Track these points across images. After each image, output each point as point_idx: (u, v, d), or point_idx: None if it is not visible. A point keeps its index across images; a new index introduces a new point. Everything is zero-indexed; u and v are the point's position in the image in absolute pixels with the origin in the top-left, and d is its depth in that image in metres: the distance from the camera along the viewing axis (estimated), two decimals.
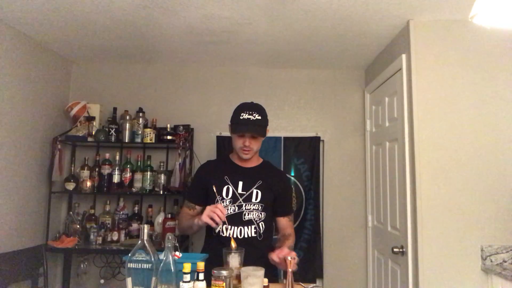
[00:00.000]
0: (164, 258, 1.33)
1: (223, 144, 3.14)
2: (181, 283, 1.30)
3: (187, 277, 1.30)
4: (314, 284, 1.87)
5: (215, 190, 1.79)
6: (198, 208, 1.90)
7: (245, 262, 1.56)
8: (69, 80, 3.28)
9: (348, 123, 3.29)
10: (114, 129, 2.99)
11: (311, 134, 3.24)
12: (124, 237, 2.91)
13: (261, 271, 1.43)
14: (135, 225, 2.98)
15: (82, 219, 2.95)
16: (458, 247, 2.16)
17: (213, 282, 1.35)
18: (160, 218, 2.95)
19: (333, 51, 2.90)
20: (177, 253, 1.43)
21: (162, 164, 3.07)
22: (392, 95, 2.62)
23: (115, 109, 3.09)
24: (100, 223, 2.93)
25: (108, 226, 2.92)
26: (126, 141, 3.01)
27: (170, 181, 2.93)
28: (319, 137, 3.22)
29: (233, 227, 1.78)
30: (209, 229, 1.87)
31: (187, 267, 1.31)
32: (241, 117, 1.77)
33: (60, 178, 2.93)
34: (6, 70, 2.46)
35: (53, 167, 2.85)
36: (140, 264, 1.35)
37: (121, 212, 3.02)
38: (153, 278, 1.33)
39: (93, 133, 2.97)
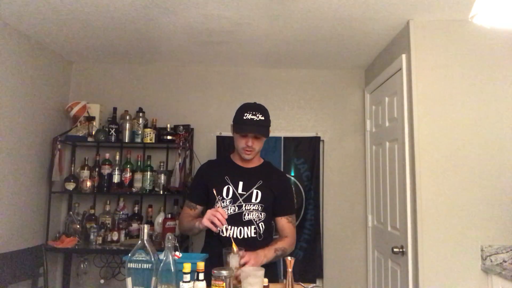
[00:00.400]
0: (164, 258, 1.33)
1: (223, 144, 3.14)
2: (181, 283, 1.30)
3: (187, 277, 1.30)
4: (314, 284, 1.87)
5: (215, 193, 1.78)
6: (199, 208, 1.90)
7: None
8: (69, 80, 3.28)
9: (348, 123, 3.29)
10: (114, 129, 2.99)
11: (311, 134, 3.24)
12: (124, 237, 2.91)
13: (261, 271, 1.43)
14: (135, 225, 2.98)
15: (82, 219, 2.95)
16: (458, 247, 2.16)
17: (213, 282, 1.35)
18: (160, 218, 2.95)
19: (333, 51, 2.90)
20: (177, 253, 1.43)
21: (162, 164, 3.07)
22: (392, 95, 2.62)
23: (115, 109, 3.09)
24: (100, 223, 2.93)
25: (108, 226, 2.92)
26: (126, 141, 3.01)
27: (170, 181, 2.93)
28: (319, 137, 3.22)
29: (233, 227, 1.78)
30: (209, 229, 1.86)
31: (187, 267, 1.31)
32: (244, 117, 1.76)
33: (60, 178, 2.93)
34: (6, 70, 2.46)
35: (53, 167, 2.85)
36: (140, 264, 1.35)
37: (121, 212, 3.02)
38: (153, 278, 1.33)
39: (93, 133, 2.97)
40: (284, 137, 3.19)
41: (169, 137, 2.98)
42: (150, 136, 2.97)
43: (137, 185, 2.97)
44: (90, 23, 2.44)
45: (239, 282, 1.45)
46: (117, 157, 3.04)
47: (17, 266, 2.34)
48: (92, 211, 3.02)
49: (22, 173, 2.64)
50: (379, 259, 2.86)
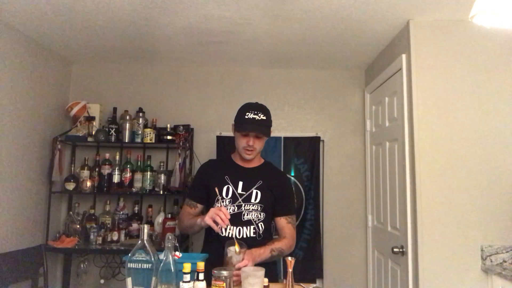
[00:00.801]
0: (164, 258, 1.33)
1: (223, 144, 3.14)
2: (181, 283, 1.30)
3: (187, 277, 1.30)
4: (314, 284, 1.87)
5: (217, 192, 1.78)
6: (199, 206, 1.90)
7: None
8: (69, 80, 3.28)
9: (348, 123, 3.29)
10: (114, 129, 2.99)
11: (311, 134, 3.24)
12: (124, 237, 2.91)
13: (261, 271, 1.43)
14: (135, 225, 2.98)
15: (82, 219, 2.95)
16: (458, 247, 2.16)
17: (213, 282, 1.35)
18: (160, 218, 2.95)
19: (333, 51, 2.90)
20: (177, 253, 1.43)
21: (162, 164, 3.07)
22: (392, 95, 2.62)
23: (115, 109, 3.09)
24: (100, 223, 2.93)
25: (108, 226, 2.92)
26: (126, 141, 3.01)
27: (170, 181, 2.93)
28: (319, 137, 3.22)
29: (232, 227, 1.77)
30: (208, 229, 1.86)
31: (187, 267, 1.31)
32: (246, 117, 1.76)
33: (60, 178, 2.93)
34: (6, 70, 2.46)
35: (53, 167, 2.85)
36: (140, 264, 1.35)
37: (121, 212, 3.02)
38: (153, 278, 1.33)
39: (93, 133, 2.97)
40: (284, 137, 3.19)
41: (169, 137, 2.98)
42: (150, 136, 2.97)
43: (137, 185, 2.97)
44: (90, 23, 2.44)
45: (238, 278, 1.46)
46: (117, 157, 3.04)
47: (17, 266, 2.34)
48: (92, 211, 3.03)
49: (22, 173, 2.64)
50: (379, 259, 2.86)
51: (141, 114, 3.07)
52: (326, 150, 3.26)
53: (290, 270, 1.48)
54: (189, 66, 3.32)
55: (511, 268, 2.02)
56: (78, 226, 2.87)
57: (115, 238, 2.85)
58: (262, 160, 1.97)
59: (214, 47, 2.85)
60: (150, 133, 2.97)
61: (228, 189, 1.82)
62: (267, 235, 1.87)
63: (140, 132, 2.98)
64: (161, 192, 2.96)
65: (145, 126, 3.01)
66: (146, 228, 1.38)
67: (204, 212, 1.86)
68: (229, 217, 1.63)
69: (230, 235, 1.74)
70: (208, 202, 1.86)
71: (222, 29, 2.50)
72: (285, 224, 1.88)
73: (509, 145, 2.22)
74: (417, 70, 2.28)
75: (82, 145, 3.14)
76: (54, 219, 3.02)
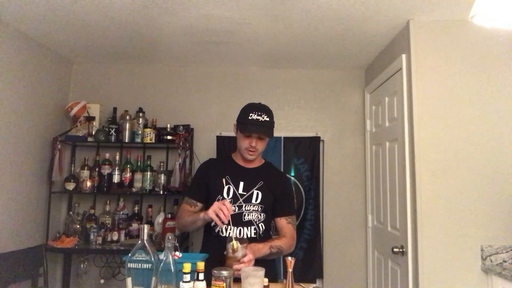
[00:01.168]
0: (164, 258, 1.33)
1: (223, 144, 3.14)
2: (181, 283, 1.30)
3: (187, 277, 1.30)
4: (314, 284, 1.87)
5: (224, 183, 1.75)
6: (199, 205, 1.87)
7: None
8: (69, 80, 3.28)
9: (348, 123, 3.29)
10: (114, 129, 2.99)
11: (311, 134, 3.24)
12: (124, 237, 2.91)
13: (261, 271, 1.43)
14: (135, 225, 2.98)
15: (82, 219, 2.96)
16: (458, 247, 2.16)
17: (213, 282, 1.35)
18: (160, 218, 2.95)
19: (333, 51, 2.90)
20: (177, 253, 1.42)
21: (162, 164, 3.07)
22: (392, 95, 2.62)
23: (115, 109, 3.09)
24: (100, 223, 2.93)
25: (108, 226, 2.92)
26: (126, 141, 3.01)
27: (170, 181, 2.94)
28: (319, 137, 3.22)
29: (232, 227, 1.77)
30: (207, 229, 1.86)
31: (187, 267, 1.31)
32: (249, 118, 1.76)
33: (60, 178, 2.94)
34: (6, 70, 2.46)
35: (53, 167, 2.85)
36: (140, 264, 1.35)
37: (121, 212, 3.02)
38: (153, 278, 1.33)
39: (93, 133, 2.97)
40: (284, 137, 3.19)
41: (169, 137, 2.98)
42: (150, 136, 2.97)
43: (137, 185, 2.97)
44: (90, 23, 2.44)
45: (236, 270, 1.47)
46: (117, 157, 3.04)
47: (17, 266, 2.34)
48: (92, 211, 3.02)
49: (22, 173, 2.64)
50: (379, 259, 2.86)
51: (141, 114, 3.07)
52: (326, 150, 3.26)
53: (290, 270, 1.48)
54: (189, 66, 3.32)
55: (511, 268, 2.02)
56: (78, 226, 2.87)
57: (115, 238, 2.85)
58: (263, 161, 1.97)
59: (214, 47, 2.85)
60: (150, 133, 2.97)
61: (229, 189, 1.81)
62: (267, 236, 1.87)
63: (140, 132, 2.98)
64: (161, 192, 2.96)
65: (145, 126, 3.01)
66: (146, 228, 1.38)
67: (204, 210, 1.85)
68: (232, 212, 1.62)
69: (230, 235, 1.74)
70: (208, 201, 1.86)
71: (222, 29, 2.50)
72: (285, 224, 1.87)
73: (509, 145, 2.22)
74: (417, 70, 2.28)
75: (82, 145, 3.14)
76: (54, 219, 3.02)
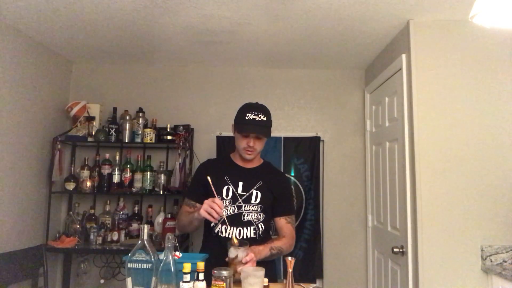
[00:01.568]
0: (164, 258, 1.33)
1: (223, 144, 3.14)
2: (181, 283, 1.30)
3: (187, 277, 1.30)
4: (314, 284, 1.87)
5: (210, 181, 1.68)
6: (198, 206, 1.87)
7: None
8: (69, 80, 3.28)
9: (348, 123, 3.29)
10: (114, 129, 2.99)
11: (311, 134, 3.24)
12: (124, 237, 2.91)
13: (261, 271, 1.43)
14: (135, 225, 2.98)
15: (82, 219, 2.96)
16: (458, 247, 2.16)
17: (213, 282, 1.35)
18: (160, 218, 2.95)
19: (333, 51, 2.90)
20: (177, 253, 1.43)
21: (162, 164, 3.07)
22: (392, 95, 2.62)
23: (115, 109, 3.09)
24: (100, 223, 2.93)
25: (108, 226, 2.92)
26: (126, 141, 3.01)
27: (170, 181, 2.94)
28: (319, 137, 3.22)
29: (232, 227, 1.77)
30: (207, 229, 1.86)
31: (187, 267, 1.31)
32: (246, 117, 1.76)
33: (60, 178, 2.93)
34: (6, 70, 2.46)
35: (53, 167, 2.85)
36: (140, 264, 1.35)
37: (121, 212, 3.02)
38: (153, 278, 1.33)
39: (93, 133, 2.97)
40: (284, 137, 3.19)
41: (169, 137, 2.98)
42: (150, 136, 2.97)
43: (137, 185, 2.97)
44: (90, 23, 2.44)
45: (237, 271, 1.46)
46: (117, 157, 3.04)
47: (17, 266, 2.34)
48: (92, 211, 3.02)
49: (22, 173, 2.64)
50: (379, 259, 2.86)
51: (141, 114, 3.07)
52: (326, 150, 3.26)
53: (290, 270, 1.48)
54: (189, 66, 3.32)
55: (511, 268, 2.02)
56: (78, 226, 2.87)
57: (115, 238, 2.85)
58: (262, 160, 1.97)
59: (214, 47, 2.85)
60: (150, 133, 2.97)
61: (228, 189, 1.81)
62: (267, 236, 1.87)
63: (140, 132, 2.98)
64: (161, 192, 2.96)
65: (145, 126, 3.01)
66: (146, 228, 1.38)
67: None
68: (222, 208, 1.61)
69: (229, 236, 1.74)
70: None
71: (222, 29, 2.50)
72: (285, 224, 1.87)
73: (509, 145, 2.22)
74: (417, 70, 2.28)
75: (82, 145, 3.14)
76: (54, 219, 3.01)
